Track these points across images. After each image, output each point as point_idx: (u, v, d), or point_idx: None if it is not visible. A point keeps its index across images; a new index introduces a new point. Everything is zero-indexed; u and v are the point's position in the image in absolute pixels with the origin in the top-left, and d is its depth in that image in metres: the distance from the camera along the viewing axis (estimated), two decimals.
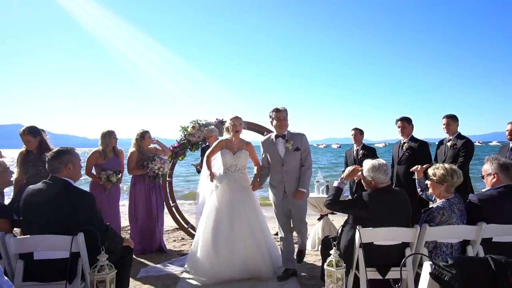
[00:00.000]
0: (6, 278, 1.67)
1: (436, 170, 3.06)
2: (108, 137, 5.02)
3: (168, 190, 6.31)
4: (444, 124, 4.98)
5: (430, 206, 3.29)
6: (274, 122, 4.22)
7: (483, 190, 3.14)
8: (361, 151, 5.68)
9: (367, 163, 3.11)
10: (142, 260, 5.01)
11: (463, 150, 4.71)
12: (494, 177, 2.99)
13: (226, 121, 6.35)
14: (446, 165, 3.07)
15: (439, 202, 3.02)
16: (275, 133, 4.29)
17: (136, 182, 5.35)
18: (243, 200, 4.37)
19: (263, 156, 4.38)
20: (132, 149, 5.38)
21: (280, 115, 4.17)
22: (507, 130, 4.71)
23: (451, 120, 4.93)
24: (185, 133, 6.15)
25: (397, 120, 5.18)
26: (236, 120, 4.47)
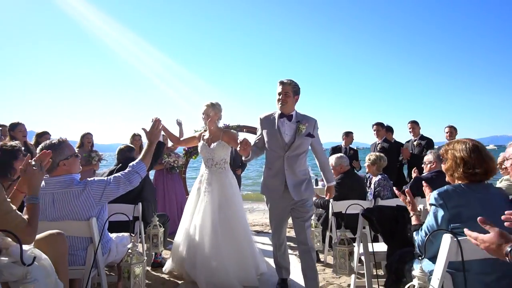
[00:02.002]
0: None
1: (370, 156, 4.44)
2: (132, 139, 6.01)
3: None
4: (410, 128, 6.26)
5: (370, 181, 4.59)
6: (276, 97, 3.33)
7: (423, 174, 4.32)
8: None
9: (332, 158, 4.50)
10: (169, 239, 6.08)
11: (426, 147, 5.92)
12: (433, 164, 4.14)
13: (231, 125, 7.37)
14: (377, 153, 4.48)
15: (375, 178, 4.35)
16: (278, 111, 3.34)
17: (157, 177, 6.47)
18: (222, 200, 3.85)
19: (259, 136, 3.42)
20: None
21: (282, 89, 3.25)
22: (446, 133, 6.05)
23: (415, 124, 6.22)
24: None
25: (373, 125, 6.36)
26: (207, 108, 3.95)
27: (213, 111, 3.94)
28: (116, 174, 2.74)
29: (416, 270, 1.72)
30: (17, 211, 1.83)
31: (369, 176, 4.66)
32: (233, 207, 3.90)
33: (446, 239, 1.81)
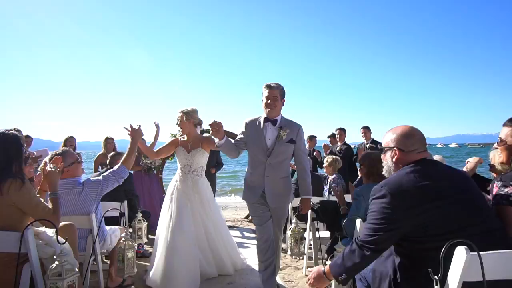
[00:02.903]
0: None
1: (328, 159, 5.21)
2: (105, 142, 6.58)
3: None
4: (362, 133, 7.13)
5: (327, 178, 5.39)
6: (263, 99, 3.25)
7: None
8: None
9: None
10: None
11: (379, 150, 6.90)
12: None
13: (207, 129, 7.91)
14: (333, 157, 5.27)
15: (331, 177, 5.14)
16: (264, 115, 3.29)
17: (135, 177, 6.99)
18: (199, 207, 3.88)
19: (241, 137, 3.38)
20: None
21: (269, 93, 3.20)
22: (362, 134, 7.13)
23: (367, 129, 7.10)
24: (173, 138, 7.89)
25: (361, 128, 7.24)
26: (181, 116, 3.90)
27: (187, 119, 3.89)
28: (104, 174, 3.30)
29: (338, 247, 2.46)
30: (44, 202, 2.42)
31: (326, 176, 5.44)
32: (217, 213, 4.06)
33: (461, 252, 1.48)
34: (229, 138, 3.29)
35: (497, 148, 2.24)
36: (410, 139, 1.93)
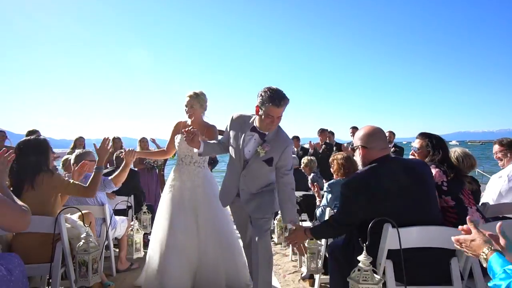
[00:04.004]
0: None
1: (304, 160, 5.73)
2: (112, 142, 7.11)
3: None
4: (351, 133, 7.65)
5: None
6: (263, 116, 2.65)
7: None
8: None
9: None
10: None
11: None
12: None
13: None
14: (309, 157, 5.80)
15: (310, 176, 5.63)
16: (254, 121, 2.80)
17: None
18: (200, 201, 3.45)
19: (226, 135, 2.98)
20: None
21: (277, 112, 2.61)
22: (350, 133, 7.69)
23: (356, 130, 7.62)
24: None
25: (350, 128, 7.86)
26: (190, 99, 3.45)
27: (197, 102, 3.46)
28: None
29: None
30: (75, 181, 3.04)
31: (306, 175, 5.97)
32: (219, 206, 3.38)
33: (386, 228, 2.05)
34: (208, 141, 3.00)
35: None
36: (372, 137, 2.30)
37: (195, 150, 2.93)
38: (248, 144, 2.80)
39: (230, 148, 2.91)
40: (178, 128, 3.62)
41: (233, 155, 2.88)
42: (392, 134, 7.69)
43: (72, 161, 3.85)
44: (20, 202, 1.92)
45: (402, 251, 1.99)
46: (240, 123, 2.87)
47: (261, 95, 2.61)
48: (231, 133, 2.89)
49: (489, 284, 1.39)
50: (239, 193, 2.93)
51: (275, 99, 2.55)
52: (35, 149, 2.87)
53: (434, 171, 2.61)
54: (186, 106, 3.49)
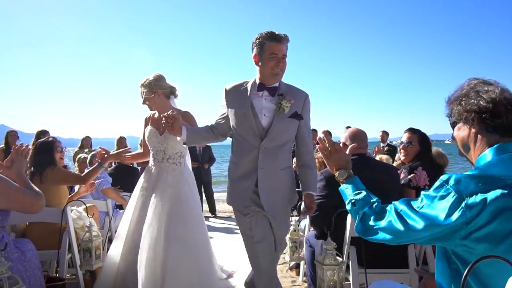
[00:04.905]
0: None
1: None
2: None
3: None
4: (380, 136, 8.00)
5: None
6: (265, 60, 2.21)
7: None
8: None
9: None
10: None
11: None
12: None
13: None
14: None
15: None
16: (255, 80, 2.34)
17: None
18: (173, 208, 2.91)
19: (222, 115, 2.43)
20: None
21: (280, 48, 2.19)
22: (380, 136, 7.87)
23: (384, 133, 7.99)
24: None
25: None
26: (141, 90, 3.03)
27: (151, 92, 2.98)
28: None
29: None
30: (74, 172, 3.47)
31: None
32: (196, 215, 3.04)
33: (349, 218, 2.37)
34: (193, 127, 2.59)
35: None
36: (353, 137, 2.70)
37: (178, 138, 2.42)
38: (261, 106, 2.29)
39: (236, 126, 2.34)
40: (147, 122, 3.21)
41: (243, 131, 2.32)
42: (385, 134, 8.04)
43: (88, 160, 4.56)
44: (35, 187, 2.21)
45: (362, 239, 2.29)
46: (238, 90, 2.36)
47: (257, 39, 2.22)
48: (231, 108, 2.36)
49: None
50: (256, 190, 2.30)
51: (274, 35, 2.17)
52: (41, 148, 3.25)
53: (422, 174, 2.83)
54: (141, 97, 3.06)
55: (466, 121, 1.26)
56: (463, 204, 1.11)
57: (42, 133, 6.94)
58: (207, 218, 7.04)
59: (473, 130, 1.27)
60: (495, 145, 1.22)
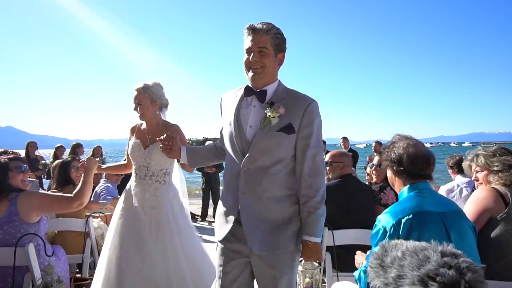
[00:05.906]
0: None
1: None
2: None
3: None
4: (341, 142, 8.44)
5: None
6: (243, 59, 1.84)
7: None
8: None
9: None
10: None
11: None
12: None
13: (199, 139, 8.28)
14: None
15: None
16: (249, 85, 1.90)
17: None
18: (158, 231, 2.68)
19: (220, 130, 2.07)
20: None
21: (253, 42, 1.78)
22: (341, 143, 8.35)
23: (345, 140, 8.40)
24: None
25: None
26: (137, 93, 2.75)
27: (147, 97, 2.73)
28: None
29: None
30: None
31: None
32: (186, 236, 2.79)
33: (325, 230, 2.69)
34: (194, 146, 2.40)
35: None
36: (338, 157, 3.26)
37: (181, 161, 2.19)
38: (247, 115, 1.86)
39: (223, 138, 2.01)
40: (132, 130, 2.95)
41: (228, 147, 1.92)
42: (346, 140, 8.47)
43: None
44: (64, 194, 2.69)
45: (335, 247, 2.77)
46: (231, 98, 1.98)
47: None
48: (223, 119, 2.01)
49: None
50: (239, 218, 1.83)
51: (248, 26, 1.79)
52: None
53: (390, 193, 3.28)
54: (134, 102, 2.78)
55: (386, 166, 1.78)
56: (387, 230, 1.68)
57: (77, 146, 7.52)
58: (212, 223, 7.38)
59: (391, 173, 1.78)
60: (408, 185, 1.73)
